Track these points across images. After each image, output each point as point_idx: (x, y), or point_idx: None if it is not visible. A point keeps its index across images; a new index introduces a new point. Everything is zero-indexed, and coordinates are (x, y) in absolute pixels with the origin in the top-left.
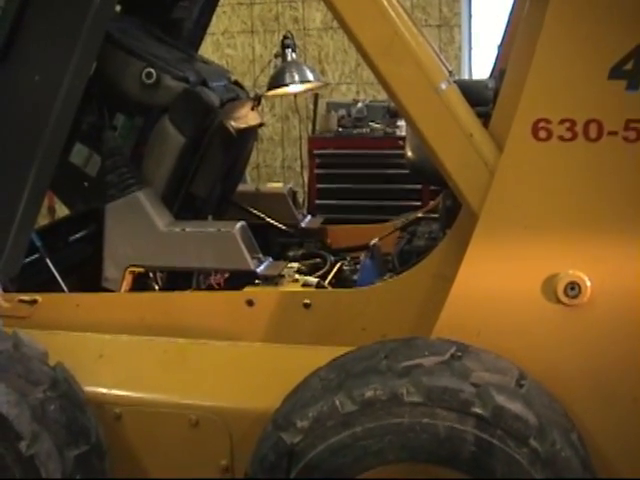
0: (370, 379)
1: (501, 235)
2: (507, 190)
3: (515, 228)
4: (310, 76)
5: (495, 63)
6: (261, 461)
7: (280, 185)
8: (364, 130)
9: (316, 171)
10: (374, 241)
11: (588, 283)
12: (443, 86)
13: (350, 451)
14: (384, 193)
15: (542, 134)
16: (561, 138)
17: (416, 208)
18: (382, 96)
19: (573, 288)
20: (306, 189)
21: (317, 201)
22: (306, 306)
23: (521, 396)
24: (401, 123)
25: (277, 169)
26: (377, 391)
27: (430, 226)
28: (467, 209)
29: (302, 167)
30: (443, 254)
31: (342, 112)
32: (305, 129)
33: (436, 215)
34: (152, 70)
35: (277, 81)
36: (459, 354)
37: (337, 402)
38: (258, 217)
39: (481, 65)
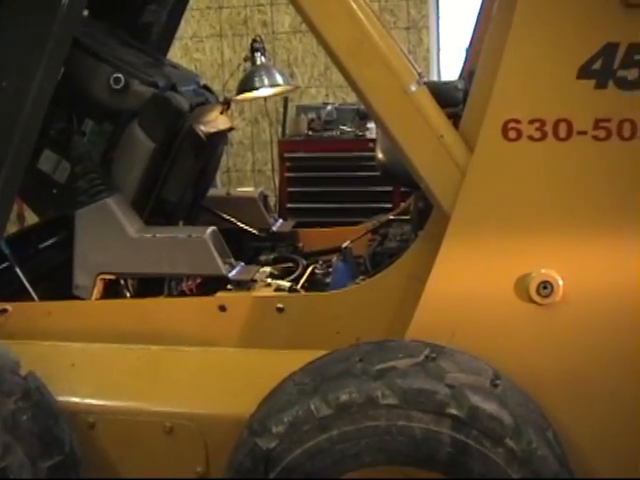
0: (345, 382)
1: (473, 235)
2: (478, 190)
3: (487, 228)
4: (280, 79)
5: (464, 64)
6: (237, 467)
7: (251, 189)
8: (334, 133)
9: (287, 174)
10: (346, 244)
11: (560, 282)
12: (413, 88)
13: (327, 455)
14: (355, 195)
15: (512, 134)
16: (531, 138)
17: (387, 210)
18: (351, 99)
19: (545, 287)
20: (277, 193)
21: (288, 205)
22: (279, 310)
23: (496, 396)
24: (371, 125)
25: (248, 173)
26: (352, 394)
27: (402, 228)
28: (439, 210)
29: (273, 171)
30: (416, 255)
31: (312, 115)
32: (275, 133)
33: (408, 217)
34: (120, 75)
35: (247, 85)
36: (433, 355)
37: (312, 406)
38: (229, 222)
39: (450, 67)
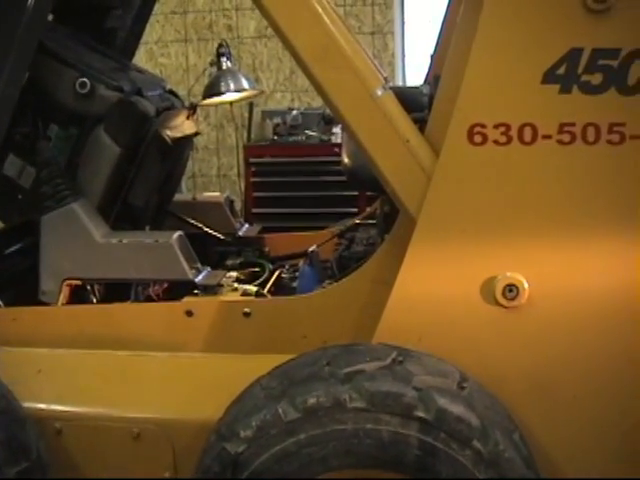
0: (313, 386)
1: (439, 239)
2: (444, 194)
3: (453, 232)
4: (245, 84)
5: (429, 69)
6: (205, 472)
7: (217, 194)
8: (299, 138)
9: (252, 179)
10: (312, 248)
11: (526, 285)
12: (379, 92)
13: (294, 459)
14: (321, 200)
15: (477, 139)
16: (496, 142)
17: (353, 215)
18: (317, 103)
19: (511, 290)
20: (243, 197)
21: (254, 209)
22: (246, 315)
23: (463, 398)
24: (336, 130)
25: (213, 178)
26: (320, 398)
27: (368, 232)
28: (405, 214)
29: (239, 176)
30: (382, 259)
31: (277, 120)
32: (240, 137)
33: (374, 221)
34: (86, 80)
35: (212, 89)
36: (400, 359)
37: (280, 410)
38: (195, 226)
39: (414, 72)
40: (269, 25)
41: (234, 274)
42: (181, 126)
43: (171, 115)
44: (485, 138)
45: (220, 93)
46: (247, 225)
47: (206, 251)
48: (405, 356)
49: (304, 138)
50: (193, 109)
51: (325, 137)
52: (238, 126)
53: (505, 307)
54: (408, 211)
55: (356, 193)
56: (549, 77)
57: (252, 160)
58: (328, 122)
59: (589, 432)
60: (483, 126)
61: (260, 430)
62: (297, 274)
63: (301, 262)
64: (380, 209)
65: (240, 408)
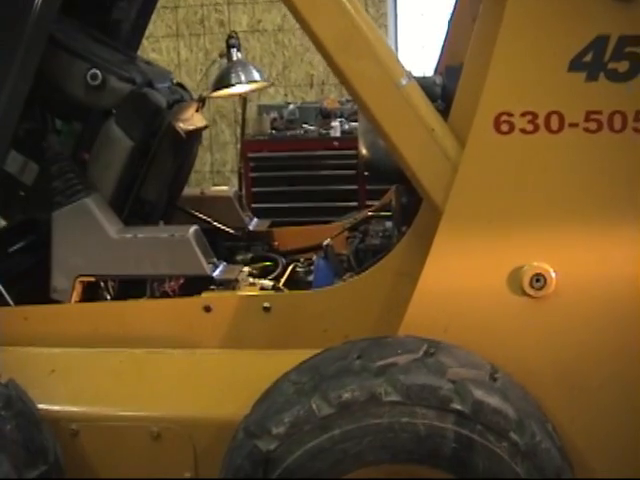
0: (346, 380)
1: (465, 229)
2: (470, 184)
3: (479, 222)
4: (256, 75)
5: (439, 60)
6: (236, 472)
7: (226, 188)
8: (297, 132)
9: (251, 174)
10: (327, 241)
11: (553, 274)
12: (404, 81)
13: (329, 455)
14: (320, 194)
15: (504, 127)
16: (523, 131)
17: (353, 209)
18: (310, 98)
19: (538, 280)
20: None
21: (253, 205)
22: (266, 310)
23: (498, 390)
24: (334, 124)
25: (206, 174)
26: (354, 392)
27: (382, 224)
28: (430, 205)
29: (239, 172)
30: (404, 251)
31: (274, 114)
32: (233, 133)
33: (387, 213)
34: (97, 71)
35: (223, 81)
36: (432, 351)
37: (314, 405)
38: (205, 221)
39: (408, 65)
40: (292, 14)
41: (246, 269)
42: (192, 119)
43: (182, 108)
44: (512, 127)
45: (231, 85)
46: (256, 219)
47: (214, 246)
48: (436, 348)
49: (302, 132)
50: (202, 102)
51: (323, 131)
52: (231, 122)
53: (532, 297)
54: (434, 202)
55: (356, 187)
56: (575, 65)
57: (250, 155)
58: (325, 116)
59: (615, 421)
60: (510, 115)
61: (293, 427)
62: (312, 268)
63: (315, 256)
64: (396, 201)
65: (270, 404)
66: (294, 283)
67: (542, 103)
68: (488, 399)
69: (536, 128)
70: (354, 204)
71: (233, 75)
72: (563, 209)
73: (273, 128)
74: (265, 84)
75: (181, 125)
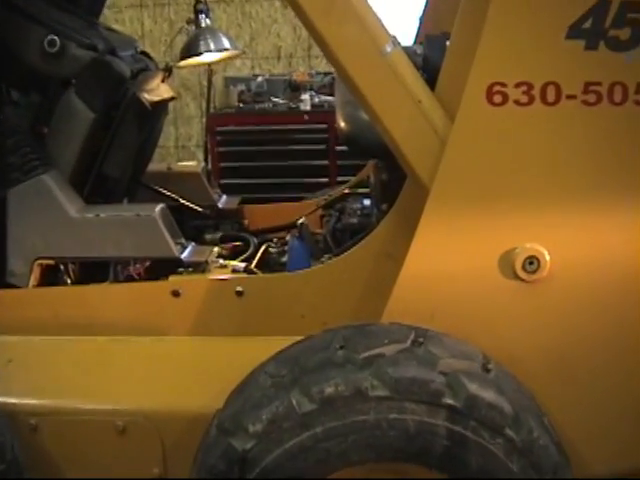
0: (328, 373)
1: (454, 209)
2: (460, 159)
3: (469, 201)
4: (227, 44)
5: (419, 29)
6: (209, 471)
7: (193, 163)
8: (266, 105)
9: (218, 149)
10: (302, 220)
11: (547, 257)
12: (388, 49)
13: (310, 454)
14: (290, 170)
15: (497, 98)
16: (517, 102)
17: (324, 185)
18: (277, 70)
19: (532, 262)
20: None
21: (221, 180)
22: (238, 294)
23: (492, 382)
24: (305, 97)
25: (171, 149)
26: (338, 387)
27: (359, 202)
28: (416, 181)
29: (197, 146)
30: (387, 231)
31: (241, 87)
32: (199, 106)
33: (364, 190)
34: (55, 37)
35: (191, 50)
36: (420, 340)
37: (294, 401)
38: (171, 198)
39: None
40: None
41: (215, 249)
42: (158, 89)
43: (147, 77)
44: (505, 98)
45: (199, 53)
46: (225, 196)
47: (183, 225)
48: (424, 337)
49: (271, 105)
50: (169, 71)
51: (293, 104)
52: (196, 95)
53: (525, 281)
54: (420, 178)
55: (326, 162)
56: (574, 32)
57: (217, 129)
58: (294, 89)
59: (610, 411)
60: (503, 85)
61: (271, 424)
62: (286, 248)
63: (288, 236)
64: (376, 177)
65: (245, 399)
66: (267, 265)
67: (538, 73)
68: (482, 393)
69: (531, 100)
70: (325, 180)
71: (202, 43)
72: (559, 187)
73: (240, 101)
74: (236, 53)
75: (146, 96)
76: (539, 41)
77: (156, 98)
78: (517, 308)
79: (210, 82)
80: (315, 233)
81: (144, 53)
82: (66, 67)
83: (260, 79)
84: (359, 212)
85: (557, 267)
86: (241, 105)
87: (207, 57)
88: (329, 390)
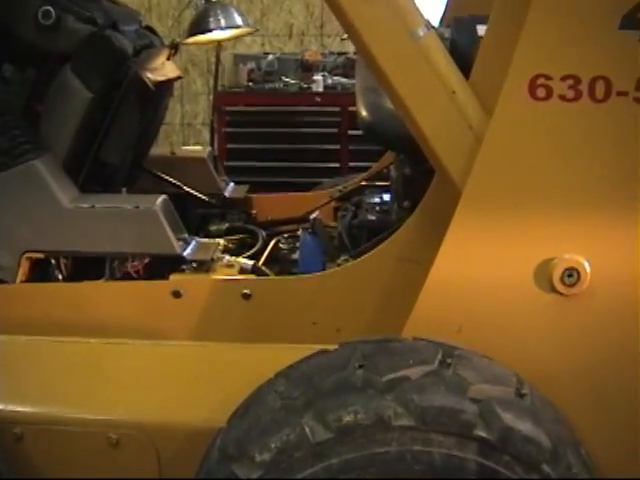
0: (347, 398)
1: (488, 213)
2: (497, 158)
3: (505, 204)
4: (238, 20)
5: (445, 11)
6: None
7: (199, 148)
8: (276, 85)
9: (225, 130)
10: (315, 214)
11: (587, 269)
12: (421, 32)
13: None
14: (300, 153)
15: (540, 92)
16: (562, 98)
17: (334, 169)
18: (288, 49)
19: (571, 274)
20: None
21: (227, 163)
22: (245, 297)
23: (528, 411)
24: (317, 78)
25: (177, 127)
26: (358, 414)
27: (378, 196)
28: (446, 180)
29: (203, 124)
30: (411, 233)
31: (251, 65)
32: (206, 83)
33: (382, 183)
34: (50, 8)
35: (199, 26)
36: (448, 360)
37: (307, 428)
38: (175, 185)
39: None
40: None
41: (221, 242)
42: (162, 68)
43: (151, 55)
44: (550, 92)
45: (208, 30)
46: (232, 184)
47: (187, 214)
48: (453, 357)
49: (281, 85)
50: (175, 48)
51: (305, 85)
52: (203, 71)
53: (563, 294)
54: (451, 177)
55: (338, 146)
56: (628, 22)
57: (225, 108)
58: (306, 69)
59: None
60: (548, 78)
61: (281, 453)
62: (297, 244)
63: (300, 230)
64: (397, 170)
65: (252, 422)
66: (276, 261)
67: (586, 66)
68: (518, 424)
69: (578, 95)
70: (336, 165)
71: (212, 19)
72: (604, 192)
73: (250, 80)
74: (248, 30)
75: (149, 75)
76: (589, 30)
77: (160, 77)
78: (553, 324)
79: (218, 59)
80: (328, 226)
81: (149, 28)
82: (62, 41)
83: (271, 57)
84: (378, 208)
85: (598, 280)
86: (251, 84)
87: (217, 34)
88: (347, 418)
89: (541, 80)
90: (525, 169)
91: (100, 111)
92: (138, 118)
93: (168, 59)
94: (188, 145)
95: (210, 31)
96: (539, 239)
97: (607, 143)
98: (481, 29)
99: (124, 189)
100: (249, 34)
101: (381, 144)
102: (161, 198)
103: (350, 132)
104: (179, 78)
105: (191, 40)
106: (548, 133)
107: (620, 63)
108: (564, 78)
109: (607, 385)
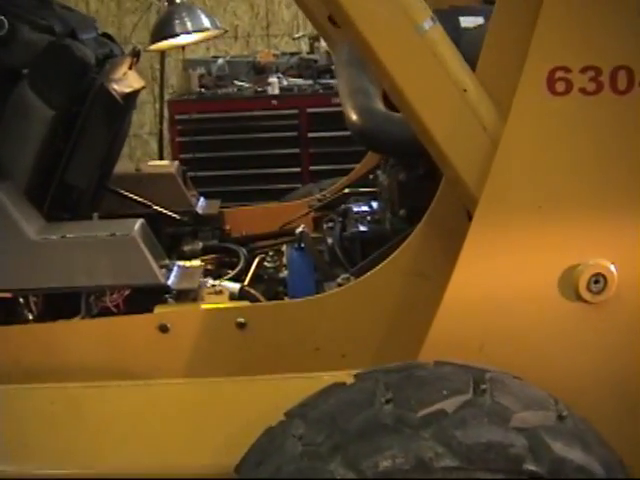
0: (380, 440)
1: (507, 220)
2: (515, 161)
3: (525, 210)
4: (206, 22)
5: None
6: None
7: (166, 162)
8: (230, 90)
9: (178, 139)
10: (301, 228)
11: (615, 274)
12: (426, 25)
13: None
14: (259, 160)
15: (560, 87)
16: (583, 91)
17: (296, 175)
18: (234, 51)
19: (597, 281)
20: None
21: None
22: (240, 326)
23: (575, 436)
24: (272, 80)
25: None
26: (396, 459)
27: (365, 204)
28: (459, 187)
29: (150, 134)
30: (419, 246)
31: (201, 70)
32: (151, 91)
33: (368, 189)
34: (2, 18)
35: (164, 30)
36: (482, 386)
37: (338, 478)
38: (143, 204)
39: None
40: None
41: (197, 263)
42: (127, 79)
43: (114, 65)
44: (570, 86)
45: (174, 35)
46: (203, 199)
47: (158, 235)
48: (486, 381)
49: (235, 90)
50: (137, 56)
51: (259, 88)
52: (149, 79)
53: (589, 302)
54: (466, 184)
55: (298, 151)
56: None
57: (177, 117)
58: (259, 71)
59: None
60: (567, 70)
61: None
62: (284, 261)
63: (284, 246)
64: (389, 177)
65: (272, 472)
66: (262, 281)
67: (607, 56)
68: (570, 454)
69: (599, 87)
70: (297, 169)
71: (177, 22)
72: (630, 192)
73: (202, 86)
74: (217, 32)
75: (115, 87)
76: (609, 18)
77: (126, 89)
78: (580, 334)
79: (163, 65)
80: (314, 238)
81: (106, 35)
82: (16, 54)
83: (221, 61)
84: (369, 217)
85: (625, 285)
86: (202, 90)
87: (184, 38)
88: (384, 463)
89: (560, 73)
90: (545, 171)
91: (63, 129)
92: (105, 135)
93: (130, 68)
94: (135, 157)
95: (177, 35)
96: (563, 245)
97: (632, 137)
98: (464, 21)
99: (95, 214)
100: (218, 36)
101: (374, 149)
102: (139, 223)
103: (310, 135)
104: (143, 88)
105: (155, 46)
106: (569, 130)
107: None
108: (584, 70)
109: (633, 393)
